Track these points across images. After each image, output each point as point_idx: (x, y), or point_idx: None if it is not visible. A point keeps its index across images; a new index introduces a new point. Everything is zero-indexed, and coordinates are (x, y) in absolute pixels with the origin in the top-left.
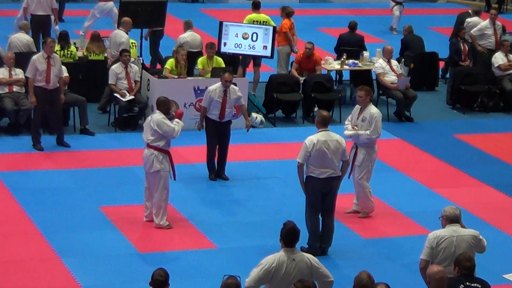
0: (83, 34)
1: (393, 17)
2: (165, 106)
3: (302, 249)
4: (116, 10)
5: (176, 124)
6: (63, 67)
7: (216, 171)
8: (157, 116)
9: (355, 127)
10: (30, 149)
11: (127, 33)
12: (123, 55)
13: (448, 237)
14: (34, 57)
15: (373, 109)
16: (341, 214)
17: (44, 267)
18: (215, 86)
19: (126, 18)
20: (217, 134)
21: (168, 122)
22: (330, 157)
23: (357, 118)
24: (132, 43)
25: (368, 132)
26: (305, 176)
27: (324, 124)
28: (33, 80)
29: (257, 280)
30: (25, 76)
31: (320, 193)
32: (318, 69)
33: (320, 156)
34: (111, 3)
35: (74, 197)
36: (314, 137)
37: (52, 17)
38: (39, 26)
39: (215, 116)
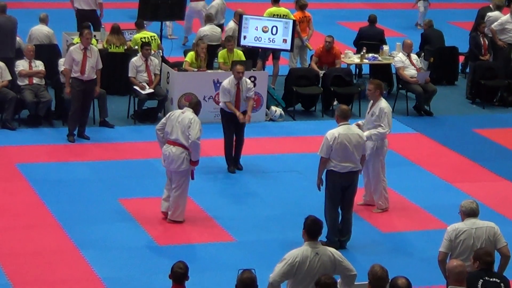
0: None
1: (418, 12)
2: (197, 107)
3: (321, 243)
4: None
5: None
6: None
7: (233, 160)
8: (195, 118)
9: (359, 123)
10: (49, 141)
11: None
12: (144, 49)
13: (467, 230)
14: (72, 47)
15: (383, 104)
16: (360, 208)
17: (63, 259)
18: (228, 79)
19: None
20: (233, 125)
21: (200, 129)
22: (351, 151)
23: (367, 113)
24: (151, 36)
25: (379, 129)
26: (324, 171)
27: (344, 117)
28: (70, 71)
29: (281, 275)
30: (63, 67)
31: (340, 188)
32: (337, 62)
33: (342, 150)
34: (202, 3)
35: (93, 190)
36: (335, 131)
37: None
38: (83, 21)
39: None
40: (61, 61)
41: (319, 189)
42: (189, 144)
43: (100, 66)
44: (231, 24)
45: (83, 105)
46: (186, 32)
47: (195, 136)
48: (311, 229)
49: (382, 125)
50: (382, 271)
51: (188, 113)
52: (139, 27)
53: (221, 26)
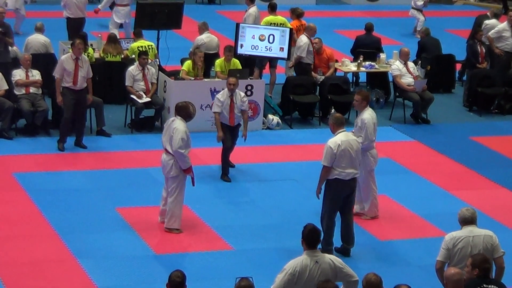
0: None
1: (417, 21)
2: (184, 110)
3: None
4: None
5: (188, 158)
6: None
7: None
8: (181, 127)
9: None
10: (46, 150)
11: None
12: (141, 58)
13: (464, 238)
14: (63, 57)
15: (365, 115)
16: (358, 216)
17: (61, 268)
18: (222, 92)
19: None
20: (230, 135)
21: (184, 139)
22: (354, 157)
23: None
24: (149, 45)
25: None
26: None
27: (340, 124)
28: (61, 80)
29: (282, 286)
30: (53, 75)
31: (343, 196)
32: (332, 65)
33: (347, 157)
34: (128, 8)
35: (90, 199)
36: (337, 139)
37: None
38: (75, 29)
39: (225, 120)
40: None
41: (318, 197)
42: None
43: (91, 75)
44: (304, 39)
45: (78, 115)
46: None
47: (175, 146)
48: (310, 238)
49: (361, 136)
50: (376, 278)
51: (176, 121)
52: (138, 35)
53: None
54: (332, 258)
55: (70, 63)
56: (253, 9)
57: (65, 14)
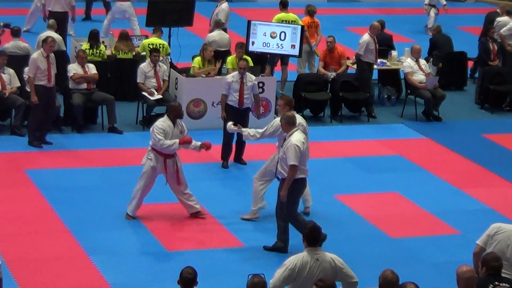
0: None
1: (428, 17)
2: (175, 111)
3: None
4: (132, 10)
5: (170, 142)
6: (92, 65)
7: (236, 156)
8: (158, 122)
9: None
10: (58, 147)
11: None
12: (152, 55)
13: (507, 232)
14: (34, 55)
15: (293, 136)
16: (369, 213)
17: (73, 265)
18: (232, 74)
19: None
20: (234, 120)
21: (159, 132)
22: (308, 154)
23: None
24: (160, 44)
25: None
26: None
27: (293, 123)
28: (33, 79)
29: (282, 280)
30: (27, 75)
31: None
32: (343, 63)
33: (307, 154)
34: (128, 3)
35: (102, 195)
36: (300, 137)
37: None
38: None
39: (234, 102)
40: (27, 69)
41: (285, 199)
42: (160, 147)
43: (72, 71)
44: (365, 37)
45: (51, 111)
46: (103, 31)
47: (153, 142)
48: (310, 236)
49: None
50: (393, 275)
51: (159, 120)
52: (155, 31)
53: (225, 30)
54: (333, 257)
55: (43, 61)
56: (225, 5)
57: (47, 8)
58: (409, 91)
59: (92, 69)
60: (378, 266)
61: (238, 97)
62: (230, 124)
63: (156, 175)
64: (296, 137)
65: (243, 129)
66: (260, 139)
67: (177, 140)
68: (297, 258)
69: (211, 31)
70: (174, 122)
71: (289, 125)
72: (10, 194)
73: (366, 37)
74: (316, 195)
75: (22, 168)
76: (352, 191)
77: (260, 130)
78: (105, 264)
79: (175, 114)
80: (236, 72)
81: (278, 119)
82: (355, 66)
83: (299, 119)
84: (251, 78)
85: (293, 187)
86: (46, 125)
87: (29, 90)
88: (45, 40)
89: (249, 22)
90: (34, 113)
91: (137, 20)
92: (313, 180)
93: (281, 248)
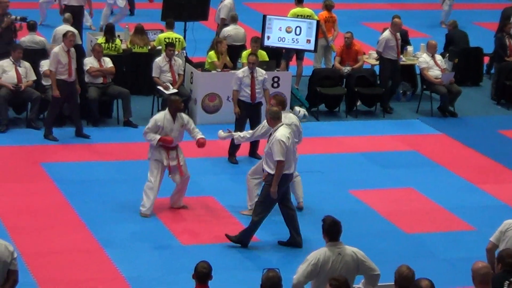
0: (102, 24)
1: (442, 11)
2: (174, 105)
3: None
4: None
5: (152, 136)
6: (108, 59)
7: (250, 150)
8: (158, 113)
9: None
10: (74, 141)
11: None
12: (167, 49)
13: None
14: (55, 50)
15: (278, 131)
16: (384, 209)
17: (88, 258)
18: (242, 69)
19: None
20: (247, 115)
21: (151, 123)
22: (294, 149)
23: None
24: (176, 38)
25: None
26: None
27: (278, 119)
28: (55, 74)
29: (305, 276)
30: (48, 69)
31: (285, 190)
32: (360, 59)
33: (293, 150)
34: None
35: (117, 189)
36: (285, 133)
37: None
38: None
39: (246, 97)
40: (43, 62)
41: (275, 196)
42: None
43: (89, 65)
44: (385, 34)
45: (73, 106)
46: (103, 19)
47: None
48: (331, 230)
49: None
50: (409, 271)
51: (161, 111)
52: (169, 26)
53: (226, 26)
54: (354, 251)
55: (63, 55)
56: (228, 1)
57: (63, 2)
58: (424, 87)
59: (108, 62)
60: (393, 261)
61: (250, 92)
62: (220, 132)
63: (163, 168)
64: (281, 132)
65: (234, 133)
66: (251, 139)
67: (158, 137)
68: (319, 253)
69: (219, 27)
70: (174, 116)
71: (274, 120)
72: (25, 187)
73: (386, 33)
74: (331, 191)
75: (38, 161)
76: (367, 186)
77: (251, 131)
78: (120, 257)
79: (174, 108)
80: (246, 67)
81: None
82: (370, 61)
83: (292, 118)
84: (261, 73)
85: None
86: (76, 119)
87: (45, 83)
88: (65, 35)
89: (264, 17)
90: (53, 107)
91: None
92: (328, 175)
93: (296, 242)
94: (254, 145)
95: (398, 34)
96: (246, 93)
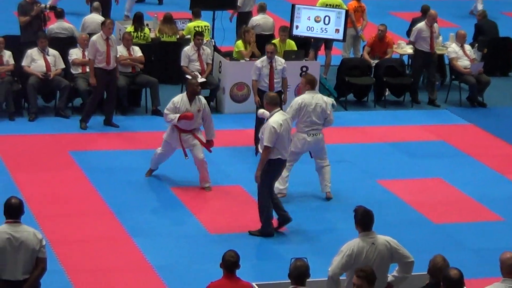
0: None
1: (475, 1)
2: (190, 87)
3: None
4: None
5: (173, 116)
6: (137, 48)
7: None
8: (176, 96)
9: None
10: (102, 129)
11: None
12: (196, 38)
13: None
14: (94, 38)
15: (272, 117)
16: (412, 199)
17: (116, 247)
18: (261, 59)
19: None
20: None
21: (169, 106)
22: (289, 136)
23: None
24: (205, 26)
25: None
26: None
27: (275, 104)
28: (94, 61)
29: (341, 267)
30: (88, 58)
31: (278, 175)
32: (389, 51)
33: (287, 137)
34: None
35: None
36: (278, 119)
37: None
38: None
39: (265, 87)
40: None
41: (259, 180)
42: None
43: (118, 53)
44: (419, 25)
45: (110, 94)
46: (126, 9)
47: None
48: (364, 220)
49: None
50: (443, 263)
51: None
52: (196, 15)
53: (249, 13)
54: (387, 240)
55: (102, 43)
56: None
57: None
58: (453, 77)
59: (137, 51)
60: (421, 251)
61: (268, 82)
62: (262, 110)
63: (172, 149)
64: (274, 118)
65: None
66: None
67: (178, 115)
68: (353, 243)
69: (232, 15)
70: (191, 100)
71: (270, 105)
72: (54, 176)
73: (420, 24)
74: (358, 180)
75: (66, 149)
76: (395, 176)
77: None
78: (147, 245)
79: (191, 91)
80: (265, 57)
81: (296, 99)
82: (399, 51)
83: (318, 99)
84: (280, 62)
85: (267, 168)
86: (109, 107)
87: (73, 72)
88: (103, 23)
89: (293, 6)
90: (95, 95)
91: None
92: (356, 165)
93: (267, 233)
94: None
95: (434, 27)
96: (265, 83)
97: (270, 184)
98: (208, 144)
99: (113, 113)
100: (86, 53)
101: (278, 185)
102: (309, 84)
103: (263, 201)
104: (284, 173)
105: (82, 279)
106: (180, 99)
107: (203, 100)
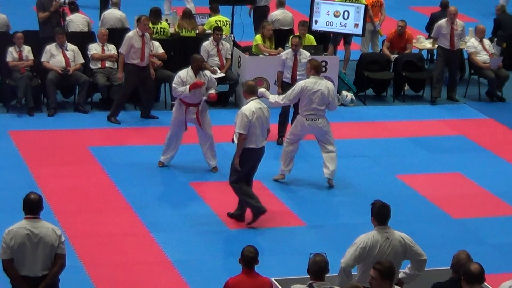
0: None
1: None
2: (195, 62)
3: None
4: None
5: (182, 88)
6: (157, 43)
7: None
8: (181, 71)
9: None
10: (121, 124)
11: None
12: (215, 33)
13: None
14: (130, 34)
15: (246, 105)
16: (431, 194)
17: (135, 242)
18: (286, 51)
19: None
20: None
21: (176, 80)
22: (265, 125)
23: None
24: (226, 21)
25: None
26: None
27: (252, 92)
28: (125, 57)
29: (353, 259)
30: (118, 52)
31: (251, 165)
32: (408, 47)
33: (259, 125)
34: None
35: (164, 173)
36: (251, 106)
37: None
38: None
39: (288, 78)
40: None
41: (239, 167)
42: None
43: (152, 50)
44: (441, 22)
45: (147, 89)
46: (164, 8)
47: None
48: (380, 214)
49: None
50: (467, 259)
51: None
52: (214, 11)
53: (265, 7)
54: (402, 236)
55: (137, 40)
56: None
57: None
58: (472, 71)
59: (158, 47)
60: (440, 246)
61: (291, 74)
62: (263, 89)
63: (181, 124)
64: (248, 106)
65: (270, 96)
66: (284, 104)
67: (188, 86)
68: (368, 236)
69: (251, 9)
70: (196, 73)
71: (247, 93)
72: (73, 171)
73: (441, 21)
74: (378, 175)
75: (85, 145)
76: (414, 171)
77: (282, 95)
78: (166, 240)
79: (196, 65)
80: (290, 49)
81: (299, 82)
82: (418, 45)
83: (321, 85)
84: (305, 55)
85: (240, 156)
86: (148, 102)
87: (92, 67)
88: (139, 19)
89: (312, 1)
90: (125, 91)
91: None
92: (375, 160)
93: (258, 211)
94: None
95: (456, 24)
96: (288, 75)
97: (239, 172)
98: (211, 95)
99: (151, 107)
100: (105, 48)
101: (281, 166)
102: (314, 69)
103: (238, 186)
104: (291, 153)
105: (101, 274)
106: (186, 73)
107: (208, 74)
